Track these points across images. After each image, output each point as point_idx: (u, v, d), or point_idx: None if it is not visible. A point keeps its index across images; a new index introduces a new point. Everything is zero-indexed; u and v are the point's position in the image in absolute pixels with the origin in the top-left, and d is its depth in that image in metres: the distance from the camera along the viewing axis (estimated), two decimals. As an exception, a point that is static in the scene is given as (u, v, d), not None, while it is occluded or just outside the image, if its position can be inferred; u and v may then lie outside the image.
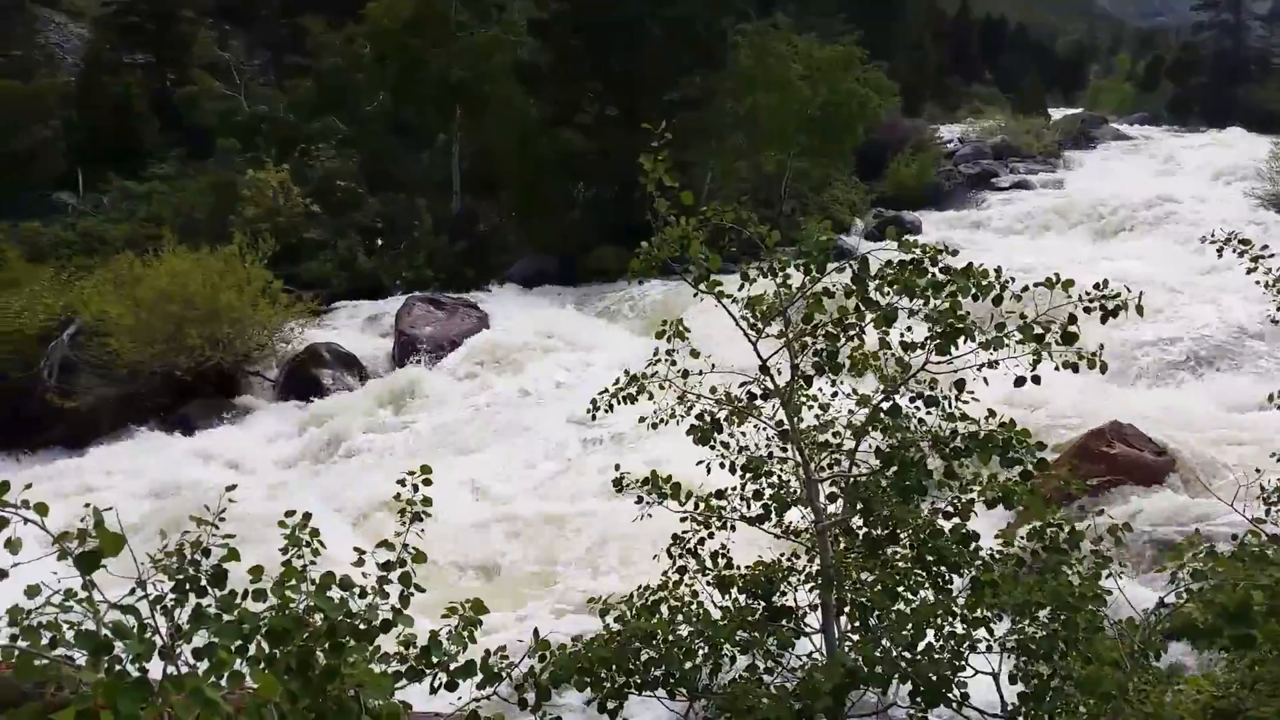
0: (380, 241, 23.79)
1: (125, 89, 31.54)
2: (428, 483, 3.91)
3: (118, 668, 2.79)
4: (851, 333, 4.33)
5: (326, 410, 14.74)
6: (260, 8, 37.71)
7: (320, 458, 12.97)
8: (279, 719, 2.36)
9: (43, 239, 25.17)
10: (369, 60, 27.38)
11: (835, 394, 4.82)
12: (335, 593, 2.89)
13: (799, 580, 5.08)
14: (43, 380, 15.86)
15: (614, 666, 4.23)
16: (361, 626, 2.77)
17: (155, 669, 2.80)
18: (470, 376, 15.88)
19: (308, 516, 3.68)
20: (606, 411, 5.05)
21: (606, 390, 5.00)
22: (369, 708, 2.53)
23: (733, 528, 5.11)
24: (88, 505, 2.87)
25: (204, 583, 3.01)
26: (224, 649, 2.51)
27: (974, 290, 3.90)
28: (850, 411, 4.86)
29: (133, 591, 3.06)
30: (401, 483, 3.91)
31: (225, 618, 2.80)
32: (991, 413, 4.41)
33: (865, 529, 4.82)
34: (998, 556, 4.54)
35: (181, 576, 3.15)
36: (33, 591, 2.87)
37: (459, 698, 4.22)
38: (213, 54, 35.51)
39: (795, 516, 5.09)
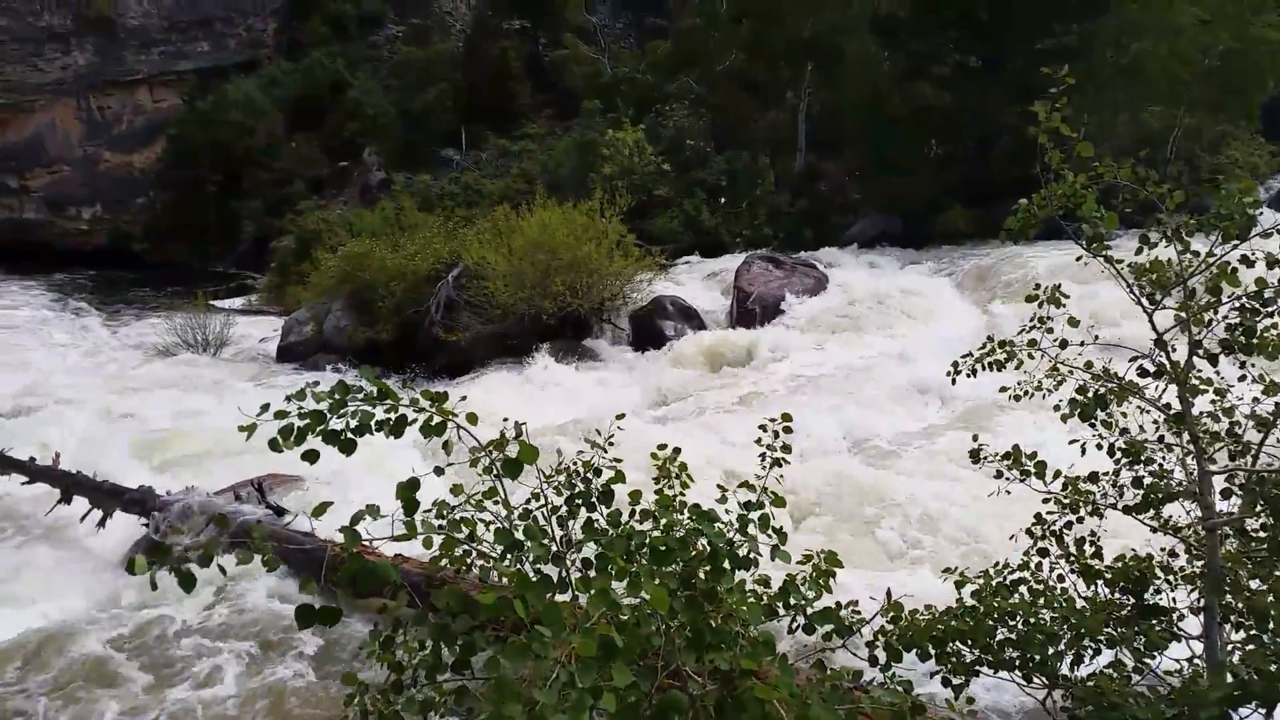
0: (723, 199, 24.37)
1: (503, 53, 34.49)
2: (788, 430, 3.99)
3: (517, 566, 3.13)
4: (1271, 309, 3.81)
5: (669, 359, 15.49)
6: (627, -29, 39.56)
7: (661, 404, 13.65)
8: (664, 629, 2.54)
9: (431, 190, 28.44)
10: (725, 19, 27.88)
11: (1243, 377, 4.27)
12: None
13: (1176, 580, 4.62)
14: (430, 315, 18.01)
15: (969, 641, 4.10)
16: (740, 554, 2.89)
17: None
18: (807, 336, 15.90)
19: (677, 451, 3.90)
20: (969, 376, 4.86)
21: (970, 354, 4.80)
22: (743, 633, 2.65)
23: (1101, 515, 4.74)
24: (506, 419, 3.23)
25: (594, 499, 3.29)
26: (617, 560, 2.72)
27: None
28: (1255, 400, 4.31)
29: (528, 501, 3.42)
30: (763, 428, 4.01)
31: (612, 532, 3.05)
32: None
33: (1268, 532, 4.26)
34: None
35: (571, 492, 3.46)
36: (457, 490, 3.27)
37: (804, 644, 4.30)
38: (581, 18, 37.82)
39: (1175, 511, 4.63)
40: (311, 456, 2.75)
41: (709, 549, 2.86)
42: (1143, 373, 4.21)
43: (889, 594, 4.12)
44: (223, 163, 34.12)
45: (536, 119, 33.06)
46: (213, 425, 13.18)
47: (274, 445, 2.62)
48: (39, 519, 10.09)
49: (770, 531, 3.46)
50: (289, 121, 36.02)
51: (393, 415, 2.88)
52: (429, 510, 3.13)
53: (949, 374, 5.02)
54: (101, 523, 9.71)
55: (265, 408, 2.65)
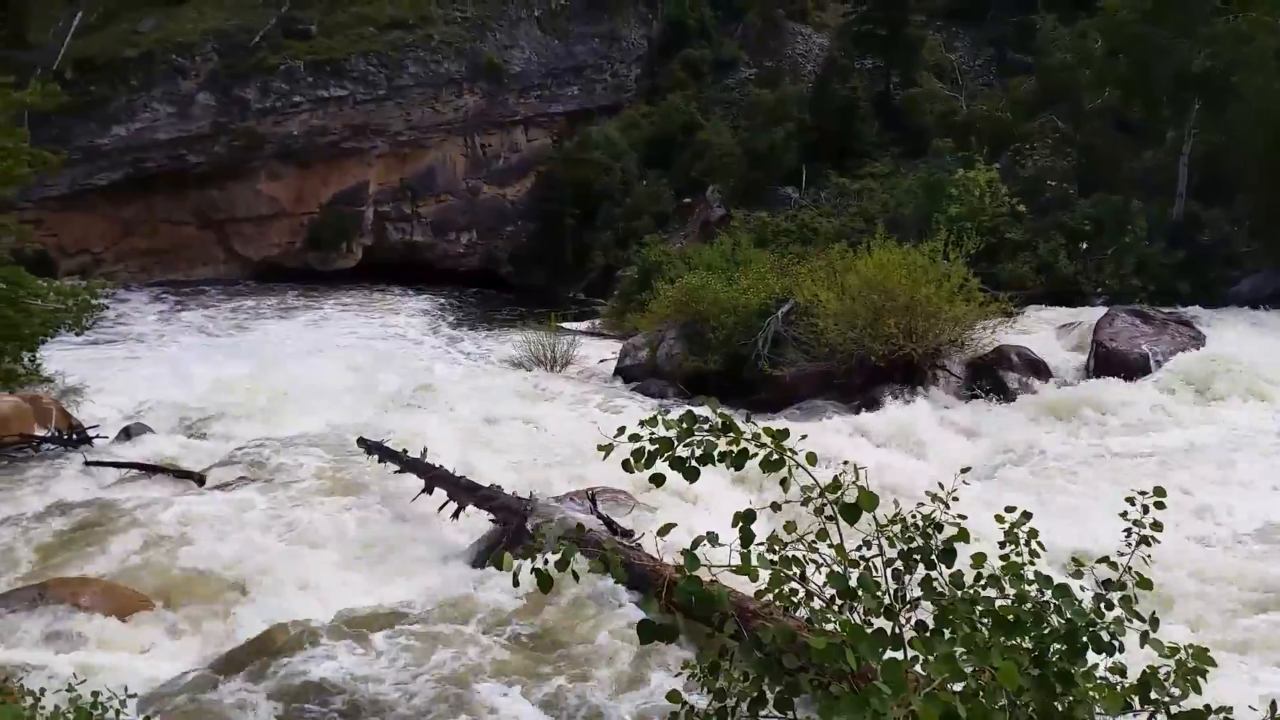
0: (1085, 245, 22.49)
1: (852, 92, 34.37)
2: (1160, 505, 3.60)
3: (847, 614, 3.04)
4: None
5: (1014, 413, 14.52)
6: (990, 7, 37.99)
7: (1004, 461, 12.80)
8: (1009, 706, 2.35)
9: (767, 227, 28.89)
10: (1099, 54, 25.92)
11: None
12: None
13: None
14: (757, 348, 18.23)
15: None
16: (1105, 638, 2.62)
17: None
18: (1176, 401, 14.20)
19: (1027, 515, 3.62)
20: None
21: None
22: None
23: None
24: (846, 462, 3.17)
25: (933, 556, 3.12)
26: (961, 625, 2.56)
27: None
28: None
29: (859, 548, 3.32)
30: (1130, 501, 3.65)
31: (954, 594, 2.87)
32: None
33: None
34: None
35: (908, 546, 3.31)
36: (790, 528, 3.26)
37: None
38: (939, 55, 36.83)
39: None
40: (658, 480, 2.86)
41: (1065, 627, 2.61)
42: None
43: (1273, 706, 3.57)
44: (581, 198, 36.85)
45: (881, 158, 32.58)
46: (551, 435, 14.24)
47: (626, 466, 2.76)
48: (409, 505, 11.39)
49: (1133, 617, 3.12)
50: (642, 161, 38.23)
51: (734, 448, 2.93)
52: (761, 544, 3.14)
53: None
54: (456, 514, 10.78)
55: (621, 430, 2.79)
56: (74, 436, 14.43)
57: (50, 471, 13.01)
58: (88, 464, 13.34)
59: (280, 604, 8.61)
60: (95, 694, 4.71)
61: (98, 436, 14.69)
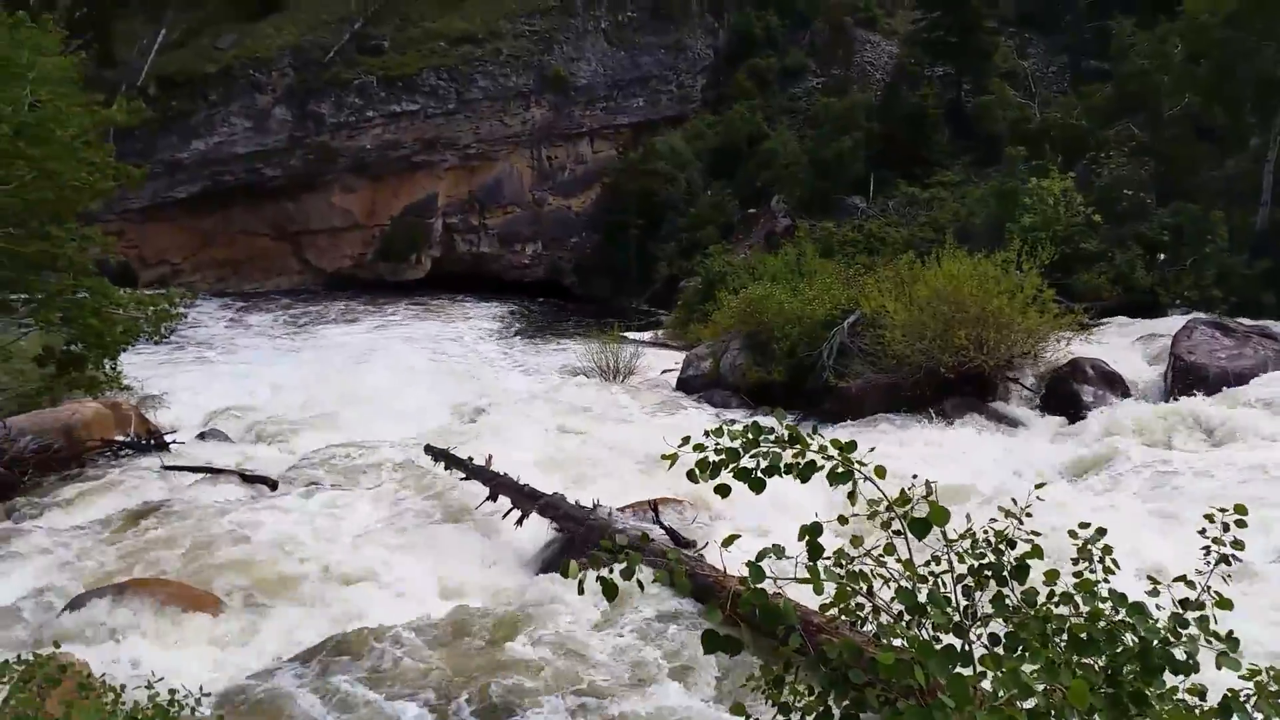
0: (1163, 256, 21.89)
1: (922, 100, 33.91)
2: (1241, 524, 3.49)
3: (916, 630, 2.99)
4: None
5: (1090, 427, 14.14)
6: (1064, 13, 37.26)
7: (1078, 477, 12.46)
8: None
9: (834, 237, 28.60)
10: (1178, 59, 25.23)
11: None
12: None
13: None
14: (822, 359, 18.05)
15: None
16: (1179, 658, 2.54)
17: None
18: (1262, 419, 13.63)
19: (1101, 531, 3.54)
20: None
21: None
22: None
23: None
24: (915, 476, 3.12)
25: (1005, 573, 3.06)
26: (1032, 642, 2.51)
27: None
28: None
29: (928, 563, 3.26)
30: (1209, 518, 3.54)
31: (1026, 611, 2.81)
32: None
33: None
34: None
35: (980, 563, 3.25)
36: (856, 541, 3.22)
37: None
38: (1011, 62, 36.19)
39: None
40: (724, 490, 2.85)
41: (1139, 645, 2.53)
42: None
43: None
44: (646, 208, 36.93)
45: (952, 166, 32.07)
46: (614, 444, 14.27)
47: (691, 476, 2.76)
48: (476, 511, 11.52)
49: (1211, 638, 3.02)
50: (707, 171, 38.19)
51: (801, 460, 2.91)
52: (828, 558, 3.11)
53: None
54: (519, 522, 10.87)
55: (686, 440, 2.79)
56: (152, 441, 14.88)
57: (130, 475, 13.44)
58: (165, 468, 13.75)
59: (349, 606, 8.78)
60: (173, 691, 4.85)
61: (174, 442, 15.13)
